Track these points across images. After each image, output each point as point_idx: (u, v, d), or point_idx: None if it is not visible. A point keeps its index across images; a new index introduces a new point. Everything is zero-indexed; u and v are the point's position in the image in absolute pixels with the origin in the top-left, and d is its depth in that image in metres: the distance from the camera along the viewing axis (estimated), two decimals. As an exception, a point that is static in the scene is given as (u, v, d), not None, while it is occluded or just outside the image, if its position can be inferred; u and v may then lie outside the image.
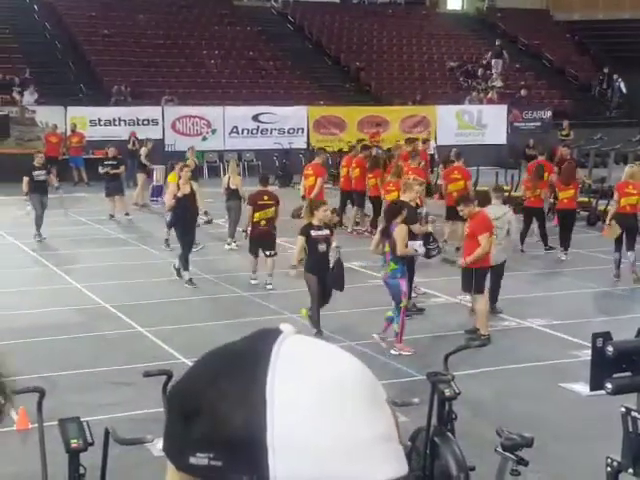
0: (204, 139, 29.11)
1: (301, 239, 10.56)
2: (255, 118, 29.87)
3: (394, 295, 10.21)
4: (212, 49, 33.89)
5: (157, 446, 6.76)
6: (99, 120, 28.03)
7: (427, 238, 11.27)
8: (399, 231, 10.14)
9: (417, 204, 12.32)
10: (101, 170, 20.18)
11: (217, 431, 0.87)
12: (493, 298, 11.71)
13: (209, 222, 15.45)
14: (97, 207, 20.66)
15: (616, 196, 14.51)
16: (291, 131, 30.35)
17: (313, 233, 10.50)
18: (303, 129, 30.52)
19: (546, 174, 16.67)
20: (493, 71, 36.15)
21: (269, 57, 34.56)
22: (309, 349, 0.92)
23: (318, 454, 0.86)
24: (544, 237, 16.27)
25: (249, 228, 13.78)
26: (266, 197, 13.66)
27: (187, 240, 13.69)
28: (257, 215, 13.47)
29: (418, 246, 10.58)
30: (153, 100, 29.30)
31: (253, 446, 0.86)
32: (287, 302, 12.31)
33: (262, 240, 13.41)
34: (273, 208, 13.56)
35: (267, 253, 13.40)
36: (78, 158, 26.52)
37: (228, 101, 30.25)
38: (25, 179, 17.13)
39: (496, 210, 11.89)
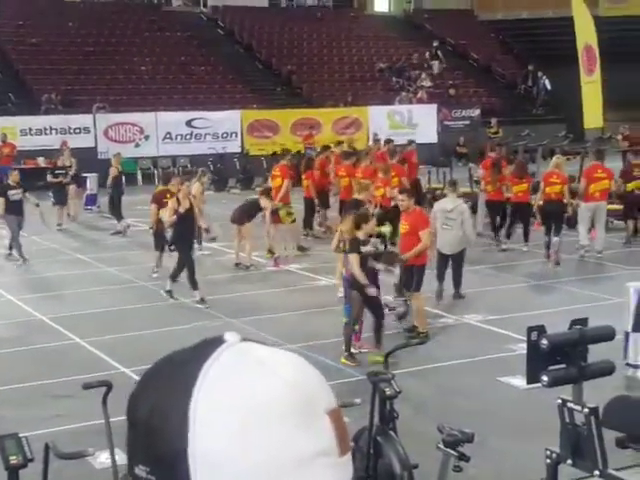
0: (137, 146, 28.83)
1: (357, 257, 9.64)
2: (188, 123, 29.69)
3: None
4: (143, 55, 33.58)
5: (98, 459, 6.70)
6: (30, 129, 27.52)
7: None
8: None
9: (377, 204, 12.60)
10: (52, 179, 19.92)
11: (149, 445, 0.87)
12: (456, 284, 12.43)
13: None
14: (30, 217, 20.22)
15: (542, 185, 15.48)
16: (225, 135, 30.25)
17: (362, 249, 9.78)
18: (237, 133, 30.45)
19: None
20: (435, 71, 36.71)
21: (200, 62, 34.39)
22: (247, 362, 0.89)
23: (238, 477, 0.84)
24: (497, 229, 16.71)
25: (154, 225, 14.20)
26: (169, 195, 14.12)
27: (191, 257, 12.88)
28: (162, 212, 13.92)
29: (378, 244, 10.65)
30: (84, 108, 28.89)
31: (177, 465, 0.85)
32: (226, 307, 12.30)
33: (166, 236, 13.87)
34: None
35: (171, 248, 13.80)
36: (9, 168, 25.98)
37: (160, 107, 30.01)
38: (0, 200, 15.85)
39: (449, 202, 12.48)
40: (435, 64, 37.03)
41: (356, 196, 12.59)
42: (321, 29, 38.68)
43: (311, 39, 38.36)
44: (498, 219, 16.73)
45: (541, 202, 15.55)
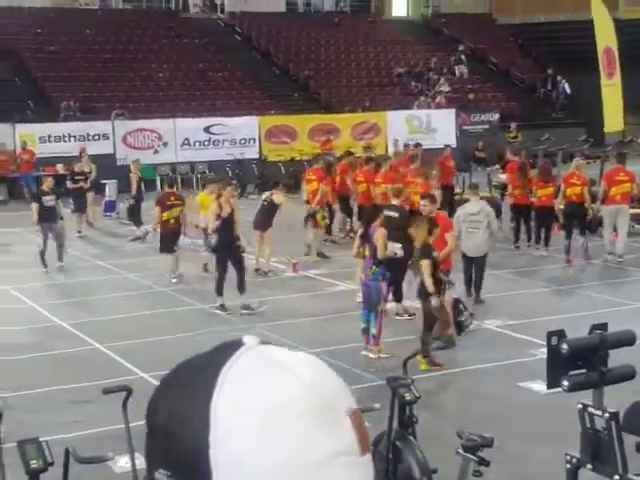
0: (156, 152, 28.94)
1: (430, 264, 9.58)
2: (206, 130, 29.78)
3: (373, 297, 10.14)
4: (161, 62, 33.74)
5: (118, 464, 6.72)
6: (49, 137, 27.69)
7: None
8: (379, 235, 10.16)
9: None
10: (72, 185, 20.07)
11: (169, 449, 0.88)
12: (477, 288, 12.51)
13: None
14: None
15: (562, 187, 15.55)
16: (243, 141, 30.32)
17: (434, 254, 9.76)
18: (255, 139, 30.51)
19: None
20: (463, 75, 36.87)
21: (218, 68, 34.52)
22: (266, 364, 0.90)
23: (262, 477, 0.84)
24: (519, 233, 16.71)
25: (158, 227, 14.81)
26: (173, 198, 14.82)
27: (233, 262, 12.53)
28: (165, 215, 14.51)
29: (398, 249, 10.60)
30: (103, 115, 29.08)
31: (199, 467, 0.85)
32: (248, 314, 12.29)
33: (173, 237, 14.48)
34: (180, 208, 14.63)
35: (175, 249, 14.45)
36: (28, 175, 26.22)
37: (179, 113, 30.14)
38: (34, 206, 15.71)
39: (474, 206, 12.63)
40: (461, 68, 37.19)
41: (393, 201, 12.54)
42: (339, 34, 38.71)
43: (329, 44, 38.41)
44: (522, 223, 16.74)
45: (562, 206, 15.54)
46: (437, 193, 15.04)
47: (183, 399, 0.89)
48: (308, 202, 16.78)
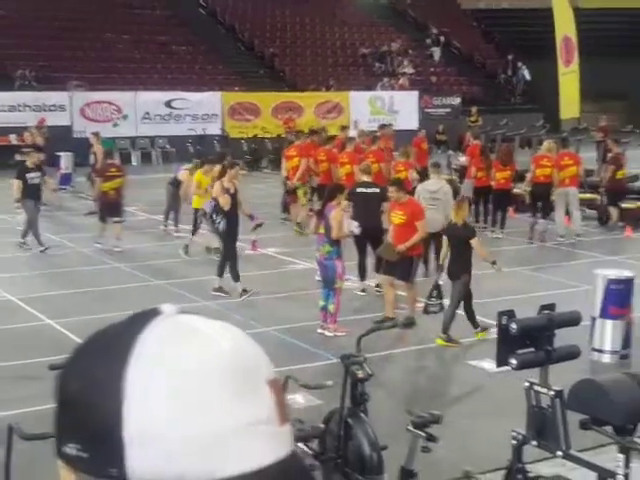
0: (115, 125, 28.63)
1: (478, 240, 10.22)
2: (168, 104, 29.53)
3: (328, 276, 10.16)
4: (120, 33, 33.23)
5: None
6: (2, 106, 27.22)
7: None
8: (335, 215, 10.07)
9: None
10: (20, 157, 19.63)
11: (81, 420, 0.85)
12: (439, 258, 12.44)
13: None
14: (2, 196, 20.05)
15: (532, 167, 16.14)
16: (205, 117, 30.13)
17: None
18: (217, 115, 30.33)
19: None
20: (435, 58, 37.53)
21: (181, 42, 34.14)
22: (183, 331, 0.87)
23: (174, 448, 0.82)
24: (480, 215, 17.02)
25: (98, 197, 15.22)
26: (113, 169, 15.12)
27: (234, 250, 12.07)
28: (106, 185, 14.74)
29: (355, 227, 10.56)
30: (60, 85, 28.59)
31: (112, 438, 0.83)
32: (203, 290, 12.21)
33: (111, 208, 14.67)
34: (120, 179, 14.91)
35: (115, 219, 14.71)
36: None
37: (139, 86, 29.79)
38: (16, 182, 14.73)
39: (433, 184, 12.87)
40: (436, 51, 37.49)
41: (364, 178, 12.52)
42: (305, 12, 38.54)
43: (295, 22, 38.24)
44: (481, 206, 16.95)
45: (528, 188, 16.11)
46: (415, 176, 15.10)
47: (97, 365, 0.86)
48: (288, 179, 16.78)
